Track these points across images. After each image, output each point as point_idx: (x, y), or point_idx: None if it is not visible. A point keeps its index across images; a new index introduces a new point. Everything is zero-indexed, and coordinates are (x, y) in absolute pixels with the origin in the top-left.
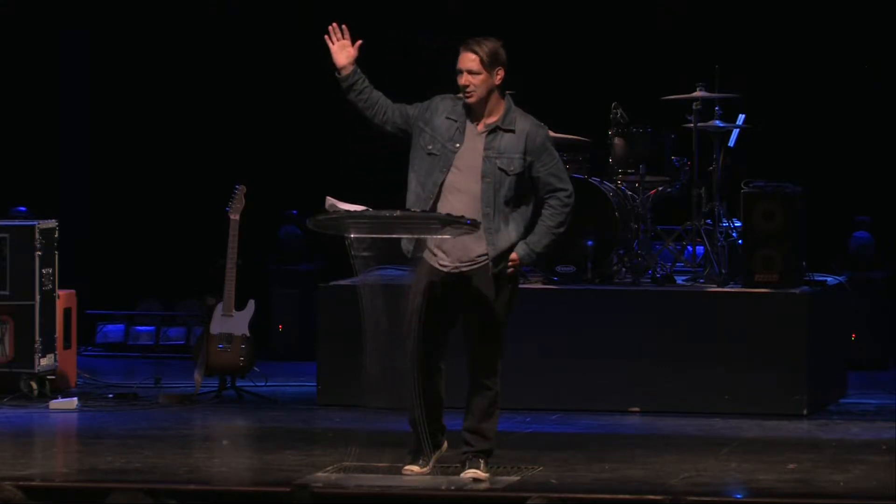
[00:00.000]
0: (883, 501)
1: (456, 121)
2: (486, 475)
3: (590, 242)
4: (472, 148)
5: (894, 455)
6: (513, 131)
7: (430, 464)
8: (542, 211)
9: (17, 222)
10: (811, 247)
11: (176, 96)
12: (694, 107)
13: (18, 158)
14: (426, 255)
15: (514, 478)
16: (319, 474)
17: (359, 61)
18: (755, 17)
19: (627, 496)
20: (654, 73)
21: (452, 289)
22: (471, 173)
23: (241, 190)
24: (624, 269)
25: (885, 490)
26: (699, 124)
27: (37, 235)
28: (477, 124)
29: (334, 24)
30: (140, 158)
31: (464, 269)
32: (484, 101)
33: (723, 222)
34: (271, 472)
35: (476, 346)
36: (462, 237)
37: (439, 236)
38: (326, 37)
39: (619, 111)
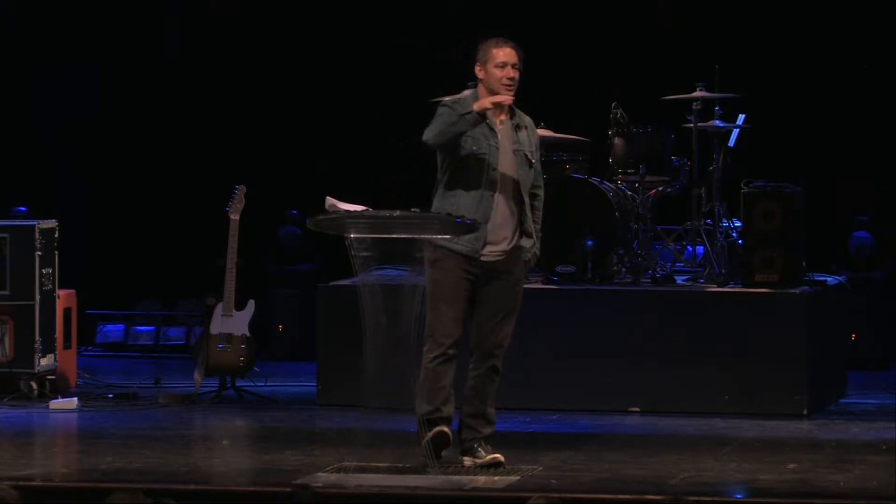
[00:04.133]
0: (883, 501)
1: (483, 118)
2: None
3: (590, 242)
4: (503, 143)
5: (894, 455)
6: (526, 127)
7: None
8: (532, 213)
9: (17, 222)
10: (811, 247)
11: (176, 96)
12: (694, 107)
13: (18, 158)
14: (460, 247)
15: (514, 478)
16: (319, 474)
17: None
18: (755, 17)
19: (627, 496)
20: (654, 73)
21: (485, 277)
22: (510, 168)
23: (241, 190)
24: (624, 269)
25: (885, 490)
26: (699, 124)
27: (37, 235)
28: (495, 119)
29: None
30: (140, 158)
31: (502, 257)
32: None
33: (723, 222)
34: (271, 472)
35: (501, 332)
36: (500, 224)
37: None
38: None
39: (619, 111)
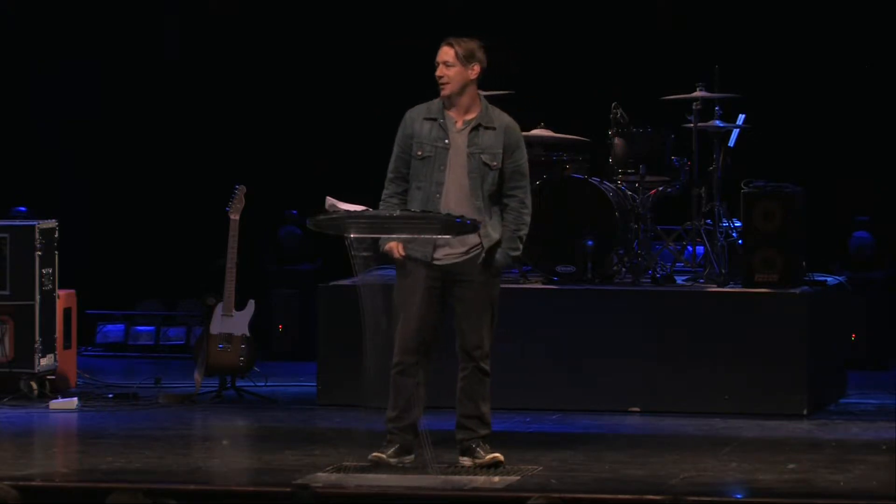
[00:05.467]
0: (883, 501)
1: (435, 119)
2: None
3: (590, 242)
4: (456, 144)
5: (894, 455)
6: (494, 128)
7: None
8: (504, 216)
9: (17, 222)
10: (811, 247)
11: (176, 96)
12: (694, 107)
13: (18, 158)
14: (413, 252)
15: (514, 478)
16: (319, 474)
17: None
18: (755, 17)
19: (627, 496)
20: (654, 73)
21: (449, 280)
22: (460, 169)
23: (241, 190)
24: (624, 269)
25: (885, 490)
26: (699, 124)
27: (37, 235)
28: (456, 121)
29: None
30: (140, 158)
31: (459, 260)
32: (458, 95)
33: (723, 222)
34: (271, 472)
35: (476, 335)
36: None
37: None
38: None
39: (619, 111)
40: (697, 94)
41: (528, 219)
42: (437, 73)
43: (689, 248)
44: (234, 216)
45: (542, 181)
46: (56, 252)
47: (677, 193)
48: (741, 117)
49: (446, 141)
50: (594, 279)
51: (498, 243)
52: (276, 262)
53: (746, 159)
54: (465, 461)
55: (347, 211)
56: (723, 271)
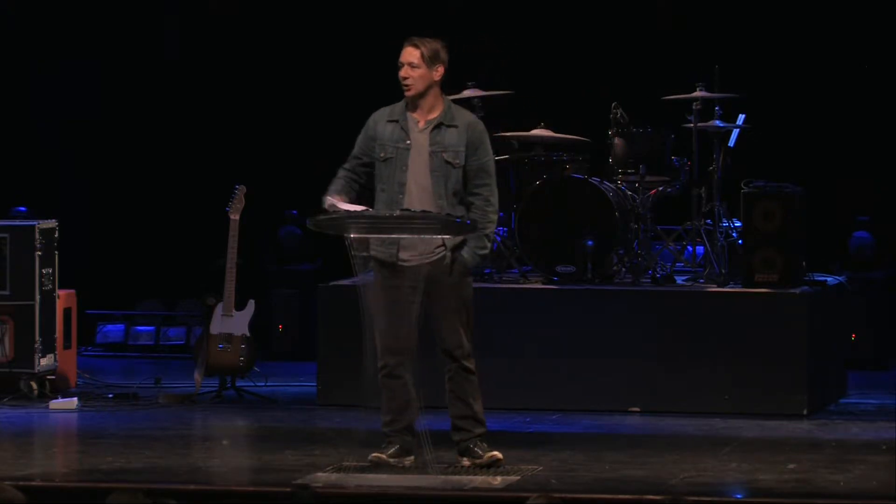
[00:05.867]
0: (883, 501)
1: (397, 121)
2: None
3: (590, 242)
4: (418, 144)
5: (894, 455)
6: (456, 126)
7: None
8: (469, 214)
9: (17, 222)
10: (811, 247)
11: (176, 96)
12: (694, 107)
13: (18, 158)
14: (378, 253)
15: (514, 478)
16: (319, 474)
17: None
18: (755, 17)
19: (627, 496)
20: (654, 73)
21: (419, 282)
22: (422, 168)
23: (241, 190)
24: (624, 269)
25: (885, 490)
26: (699, 124)
27: (37, 235)
28: (418, 121)
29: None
30: (140, 158)
31: (426, 260)
32: (422, 95)
33: (723, 222)
34: (271, 472)
35: (453, 334)
36: None
37: (439, 237)
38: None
39: (619, 111)
40: (697, 94)
41: (494, 217)
42: (402, 73)
43: (689, 248)
44: (234, 216)
45: (542, 181)
46: (56, 252)
47: (677, 193)
48: (741, 117)
49: (407, 142)
50: (594, 279)
51: (464, 242)
52: (276, 262)
53: (746, 159)
54: (465, 461)
55: (347, 211)
56: (723, 271)
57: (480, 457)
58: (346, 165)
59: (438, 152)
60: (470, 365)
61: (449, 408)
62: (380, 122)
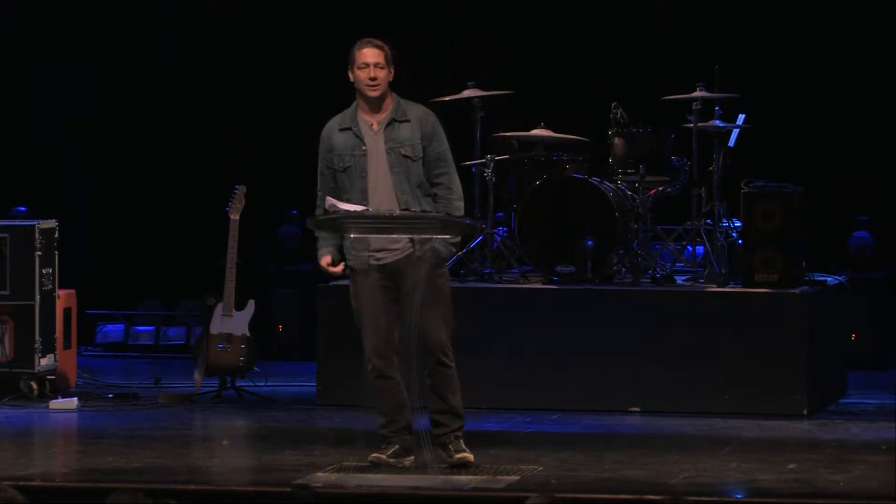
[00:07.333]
0: (883, 501)
1: (349, 128)
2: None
3: (590, 242)
4: (375, 146)
5: (894, 455)
6: (408, 120)
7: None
8: (434, 205)
9: (17, 222)
10: (811, 247)
11: (176, 96)
12: (694, 107)
13: (18, 158)
14: (351, 261)
15: (514, 478)
16: (319, 474)
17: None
18: (755, 17)
19: (627, 496)
20: (654, 73)
21: (395, 278)
22: (382, 168)
23: (241, 190)
24: (624, 269)
25: (885, 490)
26: (699, 124)
27: (37, 235)
28: (371, 123)
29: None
30: (140, 158)
31: (398, 256)
32: (384, 95)
33: (723, 222)
34: (271, 472)
35: (433, 329)
36: None
37: (440, 237)
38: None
39: (619, 111)
40: (697, 94)
41: (460, 203)
42: (370, 74)
43: (689, 248)
44: (234, 216)
45: (542, 181)
46: (56, 252)
47: (677, 193)
48: (741, 117)
49: (363, 147)
50: (594, 279)
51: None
52: (276, 262)
53: (746, 159)
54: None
55: (347, 211)
56: (723, 271)
57: (451, 457)
58: (320, 190)
59: (395, 148)
60: (446, 359)
61: (429, 403)
62: (333, 132)
